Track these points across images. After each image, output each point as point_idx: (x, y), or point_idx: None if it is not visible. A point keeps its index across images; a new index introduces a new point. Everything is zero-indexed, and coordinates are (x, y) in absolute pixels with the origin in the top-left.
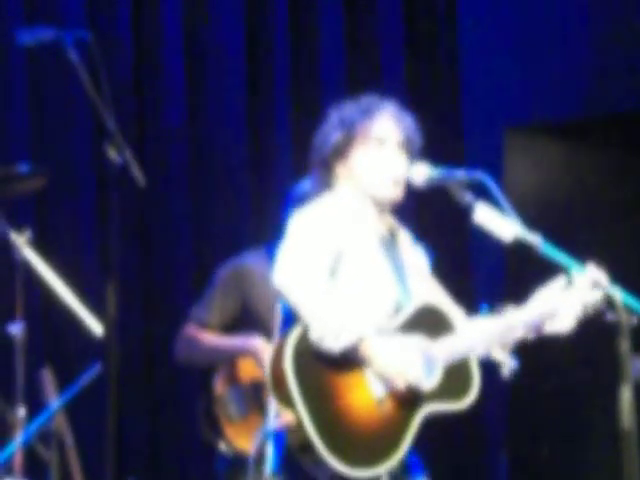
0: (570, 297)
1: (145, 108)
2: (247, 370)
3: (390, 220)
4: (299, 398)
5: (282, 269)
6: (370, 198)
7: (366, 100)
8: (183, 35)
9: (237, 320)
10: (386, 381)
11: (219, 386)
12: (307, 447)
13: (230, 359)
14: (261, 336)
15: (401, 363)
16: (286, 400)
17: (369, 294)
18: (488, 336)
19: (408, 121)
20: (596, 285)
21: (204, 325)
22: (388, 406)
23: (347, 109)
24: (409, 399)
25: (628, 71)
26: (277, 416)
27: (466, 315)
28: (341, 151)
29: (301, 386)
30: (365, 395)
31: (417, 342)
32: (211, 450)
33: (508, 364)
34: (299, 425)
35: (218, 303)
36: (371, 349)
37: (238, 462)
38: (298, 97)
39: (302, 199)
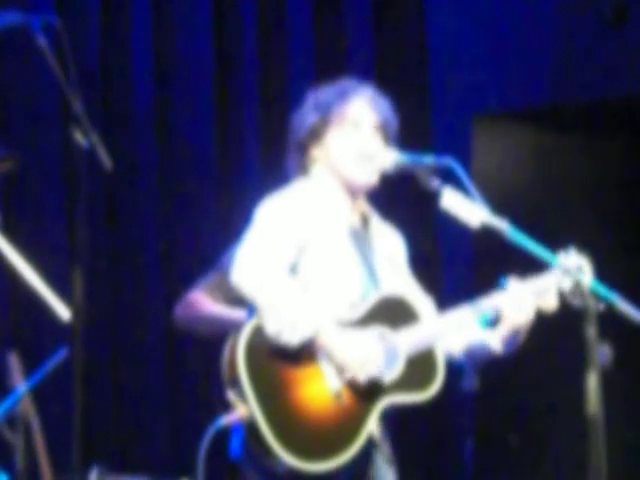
0: (550, 279)
1: (112, 92)
2: None
3: (364, 207)
4: (251, 392)
5: (239, 266)
6: (344, 182)
7: (343, 83)
8: (151, 21)
9: None
10: (345, 373)
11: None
12: (261, 440)
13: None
14: None
15: (362, 355)
16: (239, 394)
17: (333, 286)
18: (453, 326)
19: (385, 105)
20: (579, 270)
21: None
22: (346, 398)
23: (323, 92)
24: (368, 391)
25: (594, 56)
26: (232, 410)
27: (436, 305)
28: (317, 134)
29: (253, 380)
30: (320, 388)
31: (378, 333)
32: (176, 436)
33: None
34: (252, 419)
35: None
36: (330, 341)
37: None
38: (265, 82)
39: None
